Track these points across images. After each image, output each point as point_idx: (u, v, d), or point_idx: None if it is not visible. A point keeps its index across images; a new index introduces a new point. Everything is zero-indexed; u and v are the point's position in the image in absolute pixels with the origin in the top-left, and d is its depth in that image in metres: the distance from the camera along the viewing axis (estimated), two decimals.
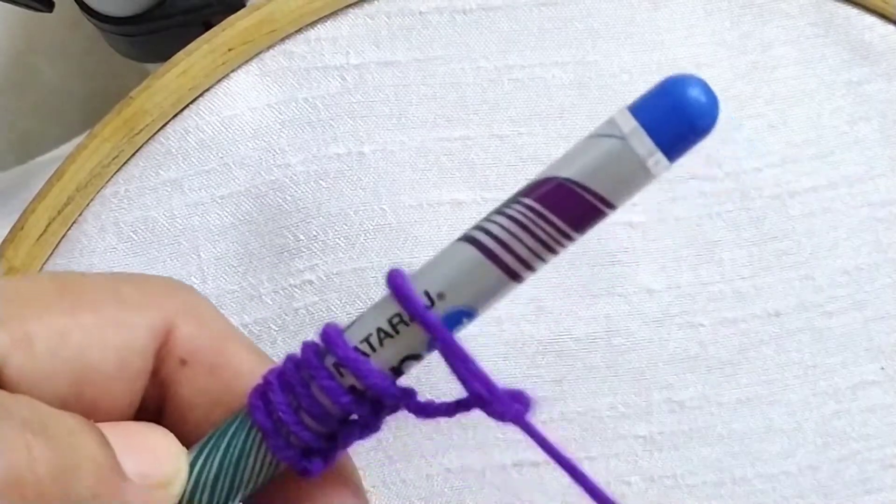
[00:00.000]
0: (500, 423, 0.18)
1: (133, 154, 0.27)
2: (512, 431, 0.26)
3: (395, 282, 0.17)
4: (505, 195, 0.28)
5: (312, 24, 0.28)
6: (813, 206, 0.29)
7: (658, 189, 0.29)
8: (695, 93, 0.15)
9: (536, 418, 0.26)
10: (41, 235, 0.26)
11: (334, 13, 0.28)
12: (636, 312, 0.28)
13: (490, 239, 0.17)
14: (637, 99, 0.16)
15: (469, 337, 0.27)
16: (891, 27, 0.31)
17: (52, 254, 0.26)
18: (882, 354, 0.29)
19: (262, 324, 0.27)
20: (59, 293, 0.18)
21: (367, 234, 0.27)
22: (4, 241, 0.26)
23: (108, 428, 0.16)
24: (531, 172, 0.28)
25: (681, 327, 0.28)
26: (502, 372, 0.27)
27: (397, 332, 0.17)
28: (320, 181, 0.27)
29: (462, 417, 0.26)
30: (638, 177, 0.16)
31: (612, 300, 0.28)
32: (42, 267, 0.26)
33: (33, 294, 0.18)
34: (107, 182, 0.27)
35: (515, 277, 0.17)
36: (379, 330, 0.17)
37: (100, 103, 0.49)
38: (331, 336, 0.17)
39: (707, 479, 0.27)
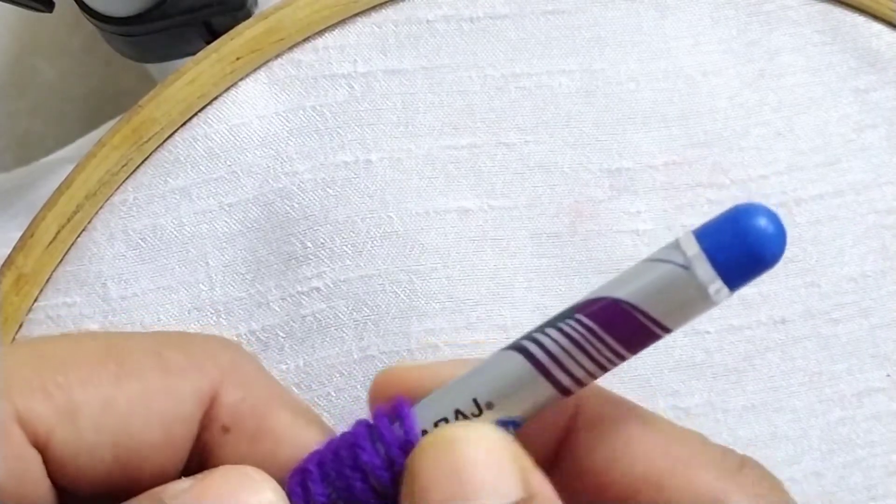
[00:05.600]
0: None
1: (142, 162, 0.28)
2: None
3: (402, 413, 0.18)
4: (511, 203, 0.29)
5: (320, 32, 0.29)
6: (819, 213, 0.30)
7: (664, 196, 0.30)
8: (762, 222, 0.15)
9: None
10: (51, 243, 0.27)
11: (342, 22, 0.29)
12: None
13: (542, 353, 0.17)
14: (703, 224, 0.16)
15: (474, 344, 0.28)
16: None
17: (61, 261, 0.28)
18: (888, 361, 0.30)
19: (270, 331, 0.28)
20: (103, 358, 0.18)
21: (374, 242, 0.28)
22: (14, 249, 0.27)
23: None
24: (538, 180, 0.30)
25: (686, 334, 0.29)
26: None
27: None
28: (328, 189, 0.29)
29: None
30: (697, 303, 0.16)
31: None
32: (52, 274, 0.28)
33: (77, 358, 0.18)
34: (116, 190, 0.28)
35: (564, 391, 0.17)
36: (424, 432, 0.18)
37: (99, 103, 0.50)
38: (405, 421, 0.18)
39: None
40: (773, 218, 0.15)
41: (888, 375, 0.30)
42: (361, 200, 0.29)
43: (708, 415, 0.29)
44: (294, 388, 0.28)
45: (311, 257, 0.28)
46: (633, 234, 0.29)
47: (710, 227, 0.16)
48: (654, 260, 0.16)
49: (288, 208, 0.29)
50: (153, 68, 0.45)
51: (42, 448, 0.18)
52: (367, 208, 0.29)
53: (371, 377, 0.27)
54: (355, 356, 0.28)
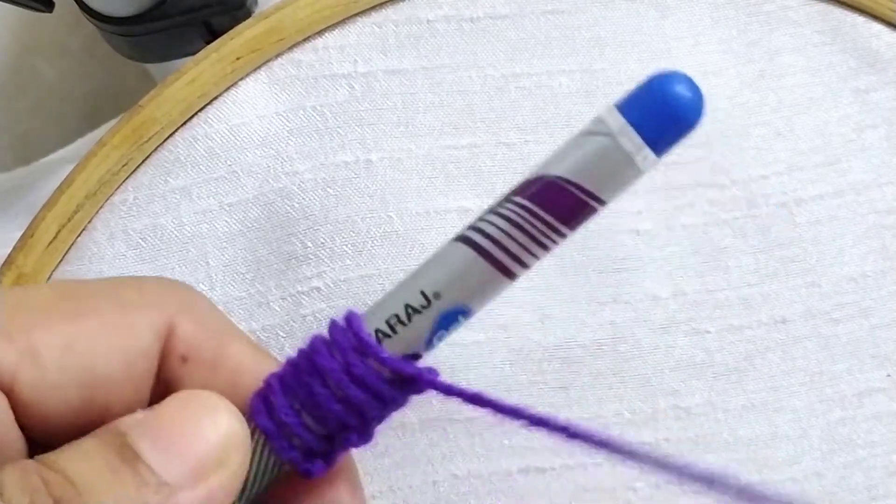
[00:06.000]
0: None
1: (142, 162, 0.28)
2: (518, 438, 0.28)
3: (352, 323, 0.19)
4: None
5: (320, 32, 0.29)
6: (819, 213, 0.31)
7: (664, 196, 0.30)
8: (680, 88, 0.16)
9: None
10: (51, 242, 0.27)
11: (342, 21, 0.30)
12: (642, 319, 0.29)
13: (484, 238, 0.18)
14: (624, 96, 0.17)
15: (475, 344, 0.28)
16: None
17: (61, 261, 0.28)
18: (888, 361, 0.30)
19: (271, 330, 0.28)
20: (61, 301, 0.19)
21: (375, 242, 0.29)
22: (14, 249, 0.27)
23: (136, 436, 0.17)
24: None
25: (687, 334, 0.29)
26: (508, 378, 0.28)
27: (395, 332, 0.19)
28: (328, 189, 0.29)
29: (468, 424, 0.27)
30: (627, 172, 0.17)
31: (619, 307, 0.29)
32: (52, 274, 0.28)
33: (35, 304, 0.19)
34: (116, 189, 0.28)
35: (509, 275, 0.18)
36: (377, 331, 0.19)
37: (100, 103, 0.50)
38: (353, 322, 0.19)
39: None
40: (690, 83, 0.16)
41: (888, 375, 0.30)
42: (362, 200, 0.29)
43: (708, 414, 0.29)
44: None
45: (312, 257, 0.28)
46: (634, 233, 0.30)
47: (630, 98, 0.17)
48: (581, 135, 0.17)
49: (288, 208, 0.29)
50: (153, 68, 0.46)
51: (7, 391, 0.18)
52: (368, 208, 0.29)
53: None
54: None
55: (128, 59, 0.43)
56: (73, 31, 0.49)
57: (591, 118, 0.30)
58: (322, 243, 0.28)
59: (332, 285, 0.28)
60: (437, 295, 0.18)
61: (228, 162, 0.29)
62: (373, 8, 0.30)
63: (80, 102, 0.50)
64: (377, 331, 0.19)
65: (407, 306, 0.18)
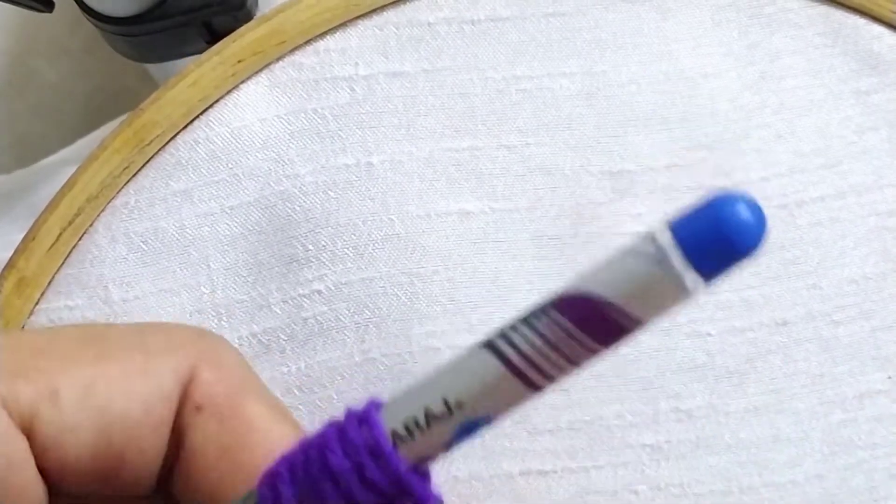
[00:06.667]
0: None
1: (143, 165, 0.28)
2: (519, 440, 0.28)
3: (369, 416, 0.18)
4: (513, 205, 0.30)
5: (321, 35, 0.30)
6: (821, 215, 0.31)
7: (665, 199, 0.30)
8: (739, 211, 0.15)
9: (544, 427, 0.28)
10: (52, 245, 0.28)
11: (343, 24, 0.30)
12: None
13: (514, 352, 0.17)
14: (678, 214, 0.15)
15: None
16: None
17: (63, 264, 0.28)
18: (889, 364, 0.30)
19: (271, 333, 0.28)
20: (84, 345, 0.19)
21: (376, 244, 0.29)
22: (16, 252, 0.27)
23: None
24: (539, 182, 0.30)
25: (688, 336, 0.29)
26: None
27: (412, 437, 0.18)
28: (329, 191, 0.29)
29: None
30: (672, 297, 0.15)
31: None
32: (53, 277, 0.28)
33: (58, 346, 0.19)
34: (117, 193, 0.28)
35: (538, 389, 0.17)
36: (394, 432, 0.18)
37: (100, 103, 0.50)
38: (372, 421, 0.18)
39: (714, 488, 0.28)
40: (752, 206, 0.15)
41: (890, 378, 0.30)
42: (363, 203, 0.29)
43: (710, 417, 0.29)
44: (295, 391, 0.28)
45: (313, 260, 0.29)
46: (635, 235, 0.30)
47: (684, 218, 0.15)
48: (628, 251, 0.16)
49: (289, 211, 0.29)
50: (153, 68, 0.46)
51: (27, 433, 0.18)
52: (369, 211, 0.29)
53: (372, 379, 0.28)
54: (357, 359, 0.28)
55: (128, 59, 0.43)
56: (73, 31, 0.49)
57: (594, 121, 0.30)
58: (323, 246, 0.29)
59: (333, 288, 0.28)
60: (459, 405, 0.17)
61: (229, 165, 0.29)
62: (374, 11, 0.30)
63: (80, 102, 0.50)
64: (393, 432, 0.18)
65: (427, 412, 0.17)
